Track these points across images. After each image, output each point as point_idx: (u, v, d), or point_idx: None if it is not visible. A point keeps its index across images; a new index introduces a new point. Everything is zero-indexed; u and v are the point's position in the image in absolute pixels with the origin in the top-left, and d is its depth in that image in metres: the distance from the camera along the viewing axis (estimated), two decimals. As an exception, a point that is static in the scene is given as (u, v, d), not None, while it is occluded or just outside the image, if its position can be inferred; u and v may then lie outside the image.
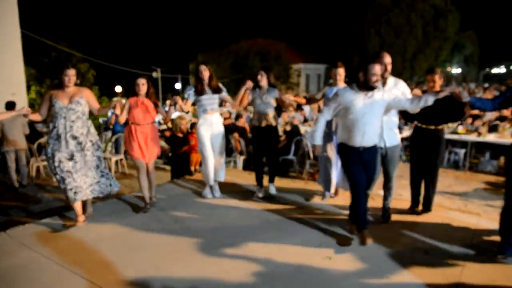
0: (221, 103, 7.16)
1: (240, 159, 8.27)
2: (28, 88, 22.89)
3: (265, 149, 5.38)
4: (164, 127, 10.89)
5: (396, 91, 4.09)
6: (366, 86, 3.62)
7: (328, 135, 4.90)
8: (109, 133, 10.51)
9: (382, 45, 29.20)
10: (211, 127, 5.21)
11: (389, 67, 4.12)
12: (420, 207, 4.77)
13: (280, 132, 8.79)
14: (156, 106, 4.89)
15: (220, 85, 5.26)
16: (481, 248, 3.74)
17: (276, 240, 3.96)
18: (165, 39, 57.28)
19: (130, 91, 4.85)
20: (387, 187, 4.52)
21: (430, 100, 3.67)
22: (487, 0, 40.10)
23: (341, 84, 4.91)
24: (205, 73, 5.10)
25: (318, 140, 3.97)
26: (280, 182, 6.15)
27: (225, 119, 10.62)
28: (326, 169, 5.15)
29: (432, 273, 3.29)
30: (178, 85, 36.10)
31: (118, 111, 4.56)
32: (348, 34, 32.24)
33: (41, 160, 7.43)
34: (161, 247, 3.85)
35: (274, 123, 5.30)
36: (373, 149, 3.83)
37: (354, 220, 3.91)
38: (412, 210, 4.81)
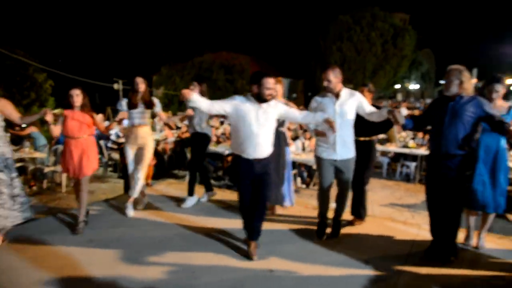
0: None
1: (226, 179, 8.26)
2: (-20, 97, 21.97)
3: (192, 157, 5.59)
4: (122, 140, 10.67)
5: (352, 101, 4.09)
6: (260, 98, 3.64)
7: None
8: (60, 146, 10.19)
9: (343, 61, 30.10)
10: (136, 141, 5.05)
11: (333, 84, 4.06)
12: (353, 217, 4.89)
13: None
14: (90, 116, 4.60)
15: (154, 99, 5.12)
16: (417, 257, 3.88)
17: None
18: (128, 50, 56.65)
19: (65, 103, 4.56)
20: (339, 200, 4.47)
21: (318, 116, 3.84)
22: (443, 20, 42.09)
23: (279, 98, 4.86)
24: (142, 85, 4.99)
25: None
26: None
27: (183, 132, 10.56)
28: None
29: (369, 283, 3.35)
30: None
31: (49, 118, 4.07)
32: (311, 50, 33.05)
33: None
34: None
35: (201, 131, 5.41)
36: (265, 161, 3.78)
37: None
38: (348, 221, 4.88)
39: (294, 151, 7.91)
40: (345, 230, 4.57)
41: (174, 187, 6.67)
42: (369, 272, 3.58)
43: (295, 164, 7.67)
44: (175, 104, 29.16)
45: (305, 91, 39.50)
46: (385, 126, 4.46)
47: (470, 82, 3.63)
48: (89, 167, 4.61)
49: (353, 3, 32.57)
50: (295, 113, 3.90)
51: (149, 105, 5.02)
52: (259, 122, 3.66)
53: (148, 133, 5.11)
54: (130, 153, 5.11)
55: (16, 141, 8.58)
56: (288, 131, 5.05)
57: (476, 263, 3.80)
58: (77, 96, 4.52)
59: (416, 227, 4.79)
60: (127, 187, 6.53)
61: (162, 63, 32.85)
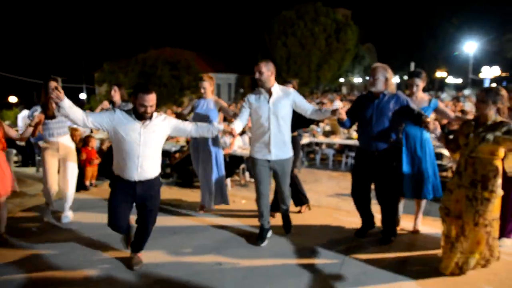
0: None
1: (174, 176, 8.04)
2: None
3: None
4: None
5: (287, 99, 3.92)
6: (136, 114, 3.24)
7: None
8: None
9: (289, 55, 30.58)
10: (58, 152, 4.61)
11: (265, 77, 3.85)
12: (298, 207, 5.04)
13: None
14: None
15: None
16: (359, 244, 4.07)
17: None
18: (68, 46, 54.11)
19: None
20: (282, 200, 4.34)
21: (214, 130, 3.61)
22: (384, 16, 43.82)
23: (209, 96, 4.86)
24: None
25: None
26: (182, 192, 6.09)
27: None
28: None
29: (315, 269, 3.47)
30: (83, 95, 34.25)
31: None
32: (257, 44, 33.27)
33: None
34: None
35: None
36: (149, 183, 3.36)
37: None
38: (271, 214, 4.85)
39: (242, 146, 7.91)
40: (293, 221, 4.61)
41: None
42: (314, 261, 3.66)
43: (242, 159, 7.68)
44: (120, 102, 28.23)
45: (252, 86, 39.70)
46: (306, 121, 4.51)
47: (393, 78, 3.84)
48: (8, 184, 4.12)
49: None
50: (186, 128, 3.49)
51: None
52: (140, 142, 3.23)
53: (69, 141, 4.74)
54: (52, 165, 4.60)
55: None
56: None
57: (412, 245, 4.01)
58: None
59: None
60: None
61: (104, 59, 31.69)
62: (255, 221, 4.55)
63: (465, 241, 3.27)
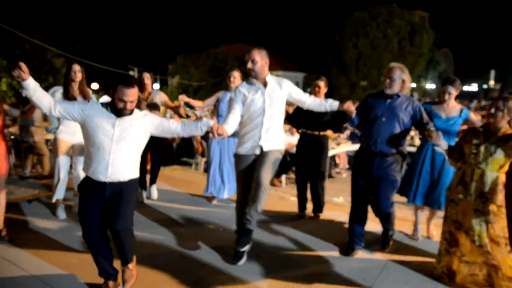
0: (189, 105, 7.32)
1: (202, 161, 8.34)
2: (-1, 79, 22.51)
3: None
4: None
5: (283, 90, 3.63)
6: (113, 109, 2.84)
7: None
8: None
9: (359, 57, 29.94)
10: (73, 136, 4.39)
11: (259, 67, 3.52)
12: (309, 211, 4.95)
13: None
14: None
15: (90, 92, 4.56)
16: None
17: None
18: (145, 38, 57.03)
19: None
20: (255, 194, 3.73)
21: (200, 126, 3.10)
22: (463, 20, 41.45)
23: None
24: (79, 74, 4.35)
25: None
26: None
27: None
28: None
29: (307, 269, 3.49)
30: (156, 86, 35.93)
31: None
32: (327, 45, 32.94)
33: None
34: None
35: None
36: (120, 186, 2.87)
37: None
38: (300, 215, 4.91)
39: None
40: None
41: (178, 173, 7.00)
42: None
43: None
44: (190, 94, 29.38)
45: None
46: (337, 122, 4.48)
47: (410, 80, 3.67)
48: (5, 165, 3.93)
49: (370, -1, 32.18)
50: (171, 126, 3.01)
51: (85, 97, 4.43)
52: (114, 138, 2.82)
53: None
54: (64, 148, 4.42)
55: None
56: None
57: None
58: None
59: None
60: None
61: (177, 52, 33.07)
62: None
63: (493, 260, 3.08)
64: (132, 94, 2.77)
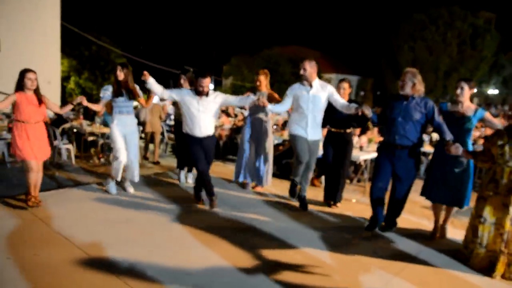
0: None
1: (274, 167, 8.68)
2: (68, 78, 24.28)
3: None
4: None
5: (324, 92, 4.79)
6: (197, 92, 4.74)
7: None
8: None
9: (415, 60, 29.05)
10: (125, 128, 5.27)
11: (308, 73, 4.73)
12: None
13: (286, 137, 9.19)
14: (41, 102, 4.64)
15: (138, 89, 5.32)
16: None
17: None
18: (202, 40, 58.67)
19: (17, 85, 4.56)
20: (305, 176, 5.08)
21: (248, 100, 4.91)
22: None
23: (263, 89, 5.65)
24: (120, 73, 5.12)
25: None
26: (281, 184, 6.66)
27: (239, 120, 11.11)
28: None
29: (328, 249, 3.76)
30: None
31: (84, 102, 4.89)
32: (382, 48, 32.26)
33: (63, 143, 8.10)
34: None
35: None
36: (209, 137, 4.94)
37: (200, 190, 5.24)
38: (327, 202, 5.53)
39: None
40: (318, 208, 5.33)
41: (218, 169, 7.47)
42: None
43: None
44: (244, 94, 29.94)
45: (373, 90, 38.63)
46: (360, 120, 4.96)
47: (422, 84, 4.13)
48: (47, 151, 4.83)
49: (429, 1, 31.16)
50: (230, 99, 5.05)
51: (130, 94, 5.22)
52: (199, 109, 4.79)
53: (134, 121, 5.40)
54: (119, 137, 5.26)
55: (90, 117, 9.68)
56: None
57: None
58: (36, 80, 4.60)
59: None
60: (180, 164, 7.10)
61: (233, 53, 33.84)
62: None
63: (505, 247, 3.45)
64: (206, 82, 4.73)
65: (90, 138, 8.38)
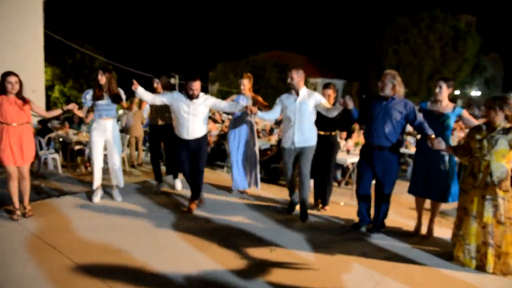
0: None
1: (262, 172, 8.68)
2: (52, 87, 24.02)
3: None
4: None
5: (311, 100, 4.81)
6: (187, 95, 4.83)
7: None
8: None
9: (399, 63, 29.41)
10: (104, 133, 5.20)
11: (296, 82, 4.81)
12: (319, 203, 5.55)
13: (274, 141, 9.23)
14: (25, 103, 4.48)
15: (121, 93, 5.25)
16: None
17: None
18: (186, 46, 58.66)
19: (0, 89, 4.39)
20: (302, 183, 5.05)
21: (238, 107, 5.01)
22: (512, 24, 39.64)
23: (247, 93, 5.72)
24: (101, 77, 5.06)
25: None
26: (269, 189, 6.66)
27: (226, 126, 11.13)
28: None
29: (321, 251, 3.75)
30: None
31: (75, 110, 4.91)
32: (366, 51, 32.60)
33: (49, 153, 8.00)
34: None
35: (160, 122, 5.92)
36: (198, 140, 4.98)
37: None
38: (316, 203, 5.57)
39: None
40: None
41: (205, 175, 7.31)
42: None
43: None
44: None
45: (359, 93, 38.94)
46: (345, 123, 5.19)
47: (402, 86, 4.22)
48: (29, 155, 4.60)
49: (412, 4, 31.65)
50: (221, 103, 5.08)
51: (115, 98, 5.15)
52: (189, 111, 4.84)
53: (114, 126, 5.28)
54: (97, 145, 5.21)
55: (76, 126, 9.58)
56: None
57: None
58: (16, 84, 4.40)
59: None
60: (169, 171, 7.02)
61: (219, 59, 33.86)
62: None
63: (492, 239, 3.54)
64: (196, 85, 4.77)
65: (77, 147, 8.30)
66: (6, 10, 12.44)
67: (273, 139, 9.56)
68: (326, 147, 5.30)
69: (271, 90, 29.23)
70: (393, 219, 5.00)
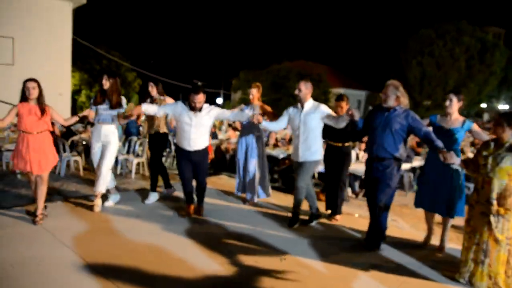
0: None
1: (279, 181, 8.76)
2: (79, 91, 24.71)
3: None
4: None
5: (317, 113, 4.78)
6: (190, 107, 4.80)
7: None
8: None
9: (423, 75, 29.06)
10: (99, 138, 5.19)
11: (303, 94, 4.81)
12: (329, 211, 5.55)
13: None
14: (43, 111, 4.49)
15: (123, 100, 5.23)
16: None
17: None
18: (210, 54, 59.41)
19: (21, 96, 4.46)
20: (307, 195, 5.05)
21: (244, 115, 5.00)
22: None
23: (256, 102, 5.64)
24: (105, 82, 5.10)
25: None
26: (285, 198, 6.71)
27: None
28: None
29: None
30: (219, 100, 37.24)
31: (91, 115, 5.10)
32: (390, 63, 32.31)
33: (72, 155, 8.23)
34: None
35: (162, 130, 5.78)
36: (199, 152, 4.99)
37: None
38: (330, 215, 5.52)
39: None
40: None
41: (221, 182, 7.61)
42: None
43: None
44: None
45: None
46: (354, 134, 5.08)
47: (405, 96, 4.14)
48: (48, 163, 4.62)
49: (437, 16, 31.33)
50: (225, 113, 5.08)
51: (116, 104, 5.11)
52: (191, 123, 4.85)
53: (112, 131, 5.20)
54: (95, 149, 5.24)
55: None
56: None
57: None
58: (33, 89, 4.41)
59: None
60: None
61: (242, 68, 34.15)
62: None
63: (487, 257, 3.47)
64: (198, 98, 4.74)
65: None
66: (36, 17, 12.96)
67: (291, 148, 9.58)
68: (338, 158, 5.32)
69: (293, 100, 29.17)
70: (409, 232, 4.98)
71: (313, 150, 4.83)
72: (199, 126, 4.90)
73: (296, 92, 4.80)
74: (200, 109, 4.84)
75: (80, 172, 7.63)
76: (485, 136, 4.33)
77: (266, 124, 4.98)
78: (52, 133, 4.87)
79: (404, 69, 30.56)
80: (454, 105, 4.27)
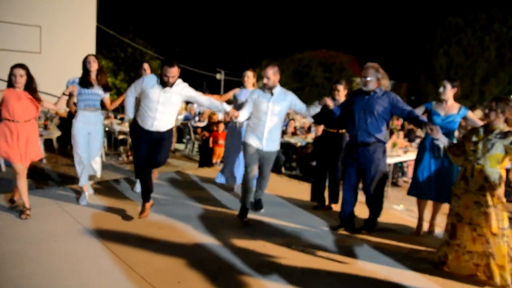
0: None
1: (297, 169, 8.85)
2: (105, 79, 25.18)
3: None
4: (199, 124, 11.31)
5: (285, 101, 4.52)
6: (161, 81, 4.17)
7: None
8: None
9: (450, 65, 28.29)
10: (88, 125, 4.80)
11: (271, 82, 4.42)
12: (327, 202, 5.39)
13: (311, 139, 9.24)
14: (37, 99, 4.20)
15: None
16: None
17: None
18: (233, 42, 59.34)
19: (8, 81, 4.11)
20: (259, 185, 4.90)
21: (220, 108, 4.52)
22: None
23: (250, 87, 5.40)
24: (93, 64, 4.71)
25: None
26: (301, 185, 6.70)
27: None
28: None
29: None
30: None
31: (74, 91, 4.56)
32: (416, 52, 31.57)
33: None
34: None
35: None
36: (163, 133, 4.36)
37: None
38: (316, 206, 5.36)
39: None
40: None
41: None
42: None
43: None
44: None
45: (408, 95, 37.82)
46: (334, 122, 4.92)
47: (386, 78, 4.07)
48: (35, 152, 4.36)
49: (465, 4, 30.27)
50: (200, 98, 4.50)
51: (104, 88, 4.82)
52: (160, 102, 4.23)
53: (99, 117, 4.92)
54: (81, 136, 4.77)
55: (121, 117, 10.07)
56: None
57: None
58: (21, 77, 4.08)
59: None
60: (202, 163, 7.29)
61: (264, 56, 34.05)
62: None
63: (491, 248, 3.35)
64: (173, 71, 4.09)
65: (120, 137, 8.76)
66: (60, 5, 13.22)
67: (310, 137, 9.59)
68: (334, 145, 5.16)
69: (315, 89, 29.06)
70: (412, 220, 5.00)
71: (276, 140, 4.67)
72: (168, 104, 4.29)
73: (265, 81, 4.42)
74: (171, 85, 4.22)
75: (102, 158, 7.85)
76: (479, 123, 4.23)
77: (240, 118, 4.57)
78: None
79: (430, 58, 29.78)
80: (448, 91, 4.30)
